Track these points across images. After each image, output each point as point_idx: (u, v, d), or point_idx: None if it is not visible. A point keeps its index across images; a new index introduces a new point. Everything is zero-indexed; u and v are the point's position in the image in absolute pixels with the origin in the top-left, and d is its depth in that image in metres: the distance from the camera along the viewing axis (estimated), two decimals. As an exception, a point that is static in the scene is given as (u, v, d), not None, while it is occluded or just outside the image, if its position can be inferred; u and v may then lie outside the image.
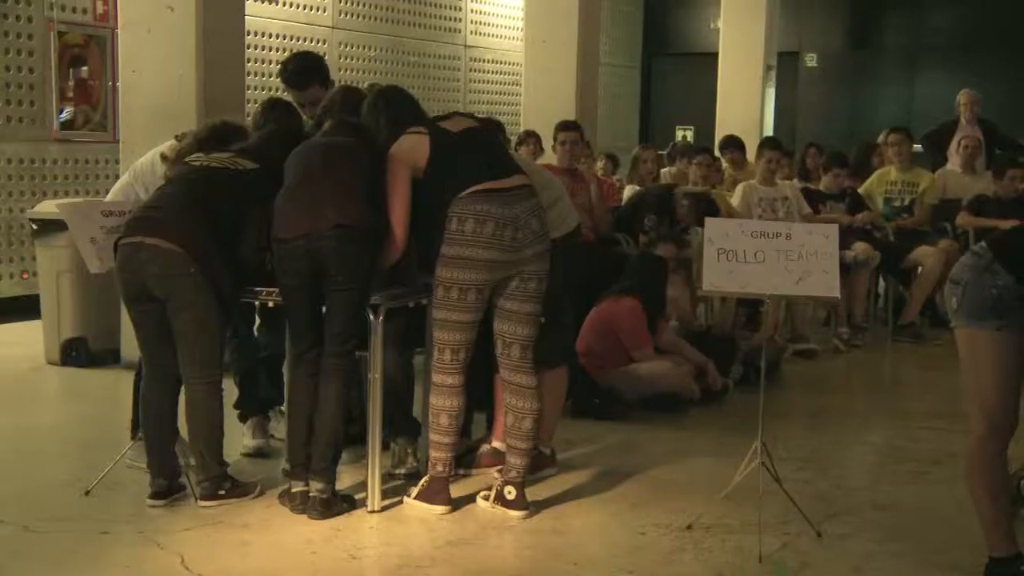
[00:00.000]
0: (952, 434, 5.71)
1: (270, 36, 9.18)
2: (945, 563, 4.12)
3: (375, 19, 10.37)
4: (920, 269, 8.70)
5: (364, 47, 10.24)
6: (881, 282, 9.22)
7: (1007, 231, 4.10)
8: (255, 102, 8.62)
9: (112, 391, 6.60)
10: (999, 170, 8.91)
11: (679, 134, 15.00)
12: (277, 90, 8.95)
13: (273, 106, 5.14)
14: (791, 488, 4.54)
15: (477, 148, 4.56)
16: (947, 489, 4.94)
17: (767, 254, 4.46)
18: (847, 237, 7.93)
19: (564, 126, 7.33)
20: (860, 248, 8.32)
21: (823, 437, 5.86)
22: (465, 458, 5.05)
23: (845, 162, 9.07)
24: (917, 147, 10.35)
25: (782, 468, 4.68)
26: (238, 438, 5.32)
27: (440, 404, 4.53)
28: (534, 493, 4.73)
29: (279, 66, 5.70)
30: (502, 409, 4.91)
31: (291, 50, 9.16)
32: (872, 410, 6.72)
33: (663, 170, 9.71)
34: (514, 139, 9.09)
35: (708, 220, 4.78)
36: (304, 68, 5.52)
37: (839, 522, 4.53)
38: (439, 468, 4.57)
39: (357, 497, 4.62)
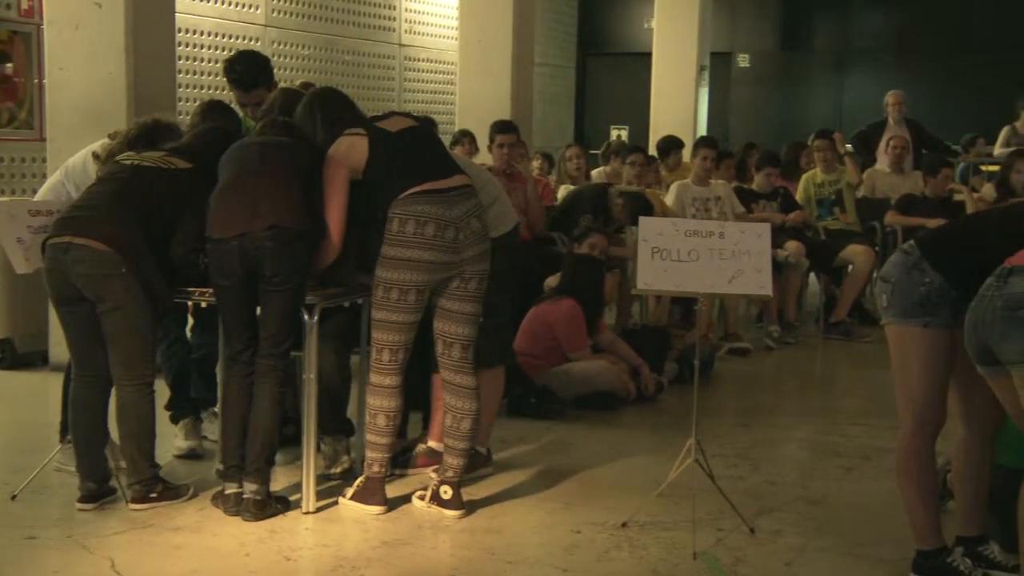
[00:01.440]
0: (881, 430, 5.81)
1: (202, 34, 9.08)
2: (874, 556, 4.19)
3: (308, 17, 10.29)
4: (850, 268, 8.83)
5: (298, 45, 10.16)
6: (813, 280, 9.35)
7: (934, 229, 4.18)
8: (187, 101, 8.54)
9: (40, 394, 6.49)
10: (932, 169, 9.09)
11: (614, 133, 15.08)
12: (210, 89, 8.88)
13: (212, 108, 5.11)
14: (725, 485, 4.59)
15: (417, 148, 4.55)
16: (876, 484, 5.03)
17: (701, 253, 4.49)
18: (779, 236, 8.03)
19: (501, 128, 7.31)
20: (792, 248, 8.42)
21: (756, 434, 5.93)
22: (400, 458, 5.03)
23: (777, 161, 9.20)
24: (848, 146, 10.53)
25: (716, 465, 4.72)
26: (170, 440, 5.26)
27: (378, 405, 4.51)
28: (470, 493, 4.73)
29: (225, 64, 5.66)
30: (439, 409, 4.90)
31: (224, 48, 9.08)
32: (804, 407, 6.80)
33: (595, 170, 9.77)
34: (448, 138, 9.08)
35: (642, 219, 4.81)
36: (253, 69, 5.51)
37: (771, 518, 4.58)
38: (375, 468, 4.55)
39: (292, 498, 4.59)
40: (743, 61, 15.95)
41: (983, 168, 11.35)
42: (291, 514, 4.50)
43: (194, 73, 8.93)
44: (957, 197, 8.98)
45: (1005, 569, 3.85)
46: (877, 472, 5.19)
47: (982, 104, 13.51)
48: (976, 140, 11.86)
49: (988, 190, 9.21)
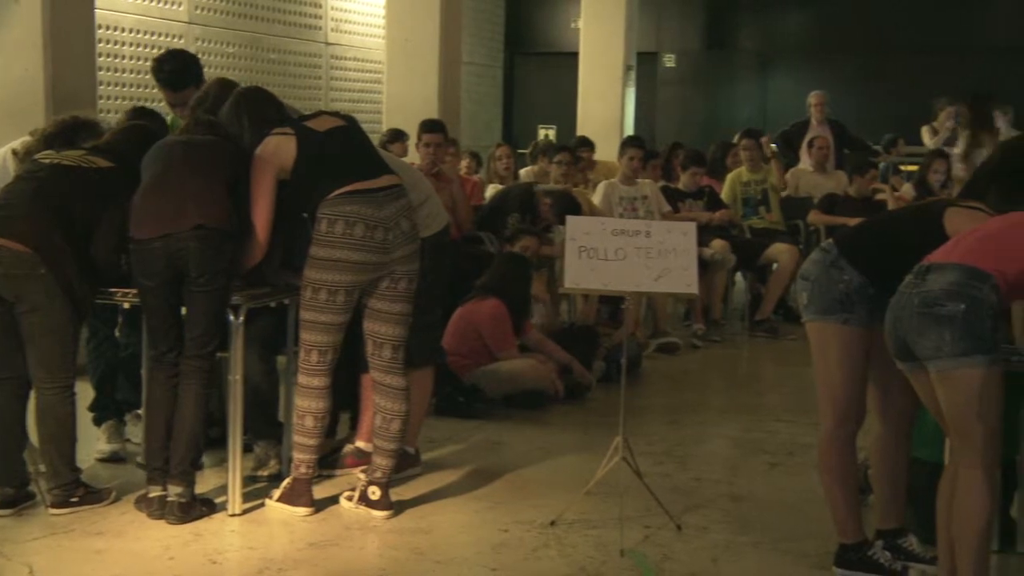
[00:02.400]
0: (805, 426, 5.89)
1: (123, 31, 8.93)
2: (797, 551, 4.24)
3: (233, 15, 10.16)
4: (775, 266, 8.94)
5: (222, 43, 10.03)
6: (739, 278, 9.46)
7: (852, 228, 4.25)
8: (109, 99, 8.40)
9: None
10: (859, 169, 9.24)
11: (541, 133, 15.11)
12: (132, 86, 8.74)
13: (138, 115, 5.06)
14: (652, 482, 4.62)
15: (345, 147, 4.52)
16: (800, 479, 5.09)
17: (627, 252, 4.52)
18: (705, 235, 8.11)
19: (428, 127, 7.28)
20: (717, 246, 8.51)
21: (683, 431, 5.98)
22: (328, 458, 5.00)
23: (703, 161, 9.28)
24: (773, 146, 10.66)
25: (643, 462, 4.75)
26: (92, 443, 5.17)
27: (306, 406, 4.47)
28: (398, 493, 4.72)
29: (154, 64, 5.61)
30: (368, 409, 4.88)
31: (146, 46, 8.94)
32: (729, 404, 6.88)
33: (523, 169, 9.78)
34: (375, 138, 9.04)
35: (569, 218, 4.84)
36: (182, 69, 5.47)
37: (698, 514, 4.63)
38: (302, 470, 4.52)
39: (218, 500, 4.54)
40: (669, 61, 16.07)
41: (902, 168, 11.57)
42: (217, 516, 4.45)
43: (115, 71, 8.78)
44: (879, 196, 9.14)
45: (923, 561, 3.93)
46: (801, 468, 5.26)
47: (902, 104, 13.75)
48: (896, 141, 12.08)
49: (907, 189, 9.39)
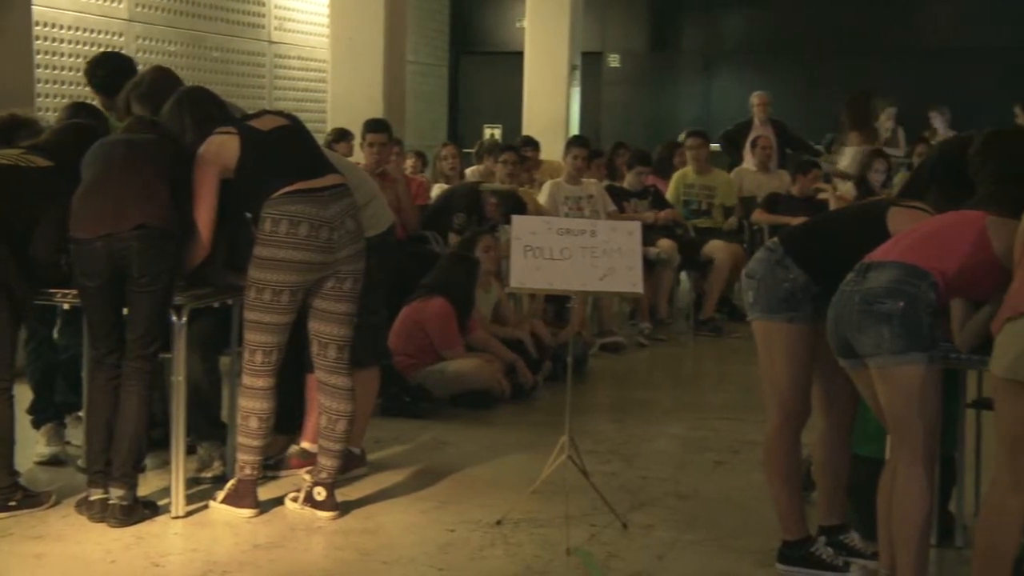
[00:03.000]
0: (749, 424, 5.93)
1: (61, 28, 8.80)
2: (741, 548, 4.28)
3: (175, 12, 10.05)
4: (713, 263, 8.99)
5: (164, 42, 9.92)
6: (684, 278, 9.52)
7: (797, 227, 4.30)
8: (47, 96, 8.28)
9: None
10: (803, 168, 9.34)
11: (487, 132, 15.09)
12: (71, 84, 8.62)
13: (77, 110, 4.98)
14: (598, 481, 4.64)
15: (289, 147, 4.50)
16: (744, 477, 5.14)
17: (573, 251, 4.54)
18: (650, 234, 8.15)
19: (372, 127, 7.25)
20: (663, 245, 8.56)
21: (629, 430, 6.01)
22: (272, 459, 4.97)
23: (648, 160, 9.32)
24: (715, 146, 10.74)
25: (589, 461, 4.77)
26: (31, 446, 5.09)
27: (250, 407, 4.44)
28: (344, 493, 4.70)
29: (87, 68, 5.52)
30: (313, 410, 4.85)
31: (85, 43, 8.83)
32: (675, 402, 6.92)
33: (469, 169, 9.77)
34: (320, 137, 8.99)
35: (515, 218, 4.84)
36: (116, 72, 5.37)
37: (644, 512, 4.65)
38: (247, 471, 4.49)
39: (161, 503, 4.50)
40: (613, 61, 16.13)
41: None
42: (159, 519, 4.41)
43: (54, 68, 8.65)
44: (821, 195, 9.23)
45: (864, 556, 3.98)
46: (746, 465, 5.30)
47: (843, 105, 13.91)
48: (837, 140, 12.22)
49: (848, 189, 9.50)
